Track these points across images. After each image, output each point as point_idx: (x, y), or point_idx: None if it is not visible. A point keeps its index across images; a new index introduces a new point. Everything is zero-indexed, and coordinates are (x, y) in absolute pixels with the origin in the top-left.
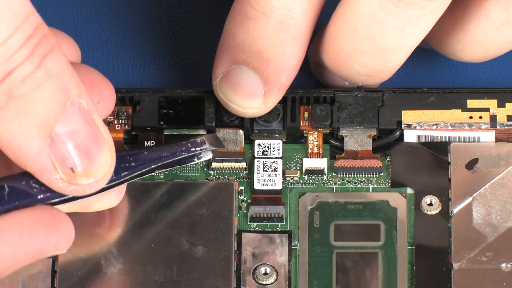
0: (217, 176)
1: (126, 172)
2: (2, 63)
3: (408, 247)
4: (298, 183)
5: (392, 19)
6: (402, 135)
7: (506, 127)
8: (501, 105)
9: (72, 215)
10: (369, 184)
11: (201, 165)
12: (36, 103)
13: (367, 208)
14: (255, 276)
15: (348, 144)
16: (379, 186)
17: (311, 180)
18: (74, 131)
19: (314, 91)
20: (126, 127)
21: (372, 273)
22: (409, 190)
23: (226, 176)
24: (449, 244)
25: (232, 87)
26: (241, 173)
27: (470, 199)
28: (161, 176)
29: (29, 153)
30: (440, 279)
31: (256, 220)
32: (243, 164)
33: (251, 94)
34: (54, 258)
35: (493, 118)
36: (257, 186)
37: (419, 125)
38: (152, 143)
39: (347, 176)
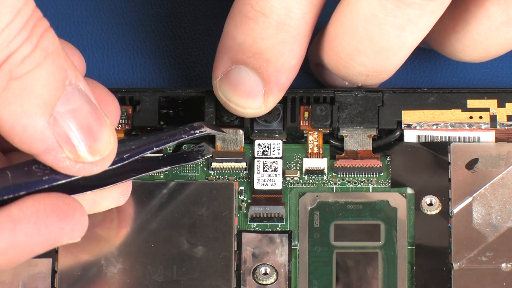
0: (217, 176)
1: (128, 154)
2: (4, 47)
3: (408, 247)
4: (298, 183)
5: (392, 19)
6: (402, 135)
7: (506, 127)
8: (501, 105)
9: None
10: (369, 184)
11: (201, 165)
12: (36, 81)
13: (367, 208)
14: (255, 276)
15: (348, 144)
16: (379, 186)
17: (311, 180)
18: (75, 109)
19: (314, 91)
20: (126, 127)
21: (372, 273)
22: (409, 190)
23: (226, 176)
24: (449, 244)
25: (232, 87)
26: (241, 173)
27: (470, 199)
28: (161, 176)
29: (34, 133)
30: (440, 279)
31: (256, 220)
32: (243, 164)
33: (251, 94)
34: (54, 258)
35: (493, 118)
36: (257, 186)
37: (419, 125)
38: None
39: (347, 176)
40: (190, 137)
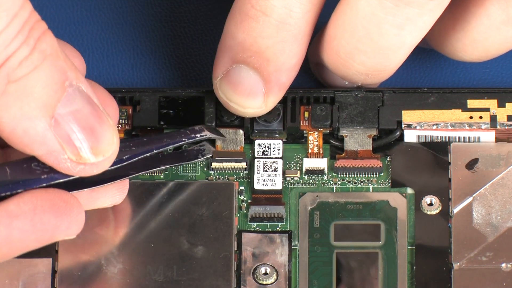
0: (217, 176)
1: (127, 156)
2: (1, 51)
3: (408, 247)
4: (298, 183)
5: (392, 18)
6: (402, 135)
7: (506, 127)
8: (501, 105)
9: None
10: (369, 184)
11: (201, 165)
12: (35, 84)
13: (367, 208)
14: (255, 276)
15: (348, 144)
16: (379, 186)
17: (311, 180)
18: (76, 111)
19: (314, 91)
20: (126, 127)
21: (372, 273)
22: (409, 190)
23: (226, 176)
24: (449, 244)
25: (232, 87)
26: (241, 173)
27: (470, 199)
28: (161, 176)
29: (35, 135)
30: (440, 279)
31: (256, 220)
32: (243, 164)
33: (251, 93)
34: (54, 258)
35: (493, 118)
36: (257, 186)
37: (419, 125)
38: None
39: (347, 176)
40: (190, 140)
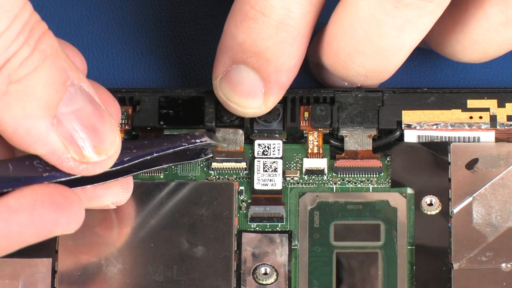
0: (217, 176)
1: (128, 158)
2: (2, 52)
3: (408, 247)
4: (298, 183)
5: (391, 19)
6: (402, 135)
7: (506, 127)
8: (501, 105)
9: None
10: (369, 184)
11: (201, 165)
12: (36, 83)
13: (367, 208)
14: (255, 276)
15: (348, 144)
16: (379, 186)
17: (311, 180)
18: (79, 110)
19: (314, 91)
20: (126, 127)
21: (372, 273)
22: (409, 190)
23: (226, 176)
24: (449, 244)
25: (232, 87)
26: (241, 173)
27: (470, 199)
28: (161, 176)
29: (38, 135)
30: (440, 279)
31: (256, 220)
32: (243, 164)
33: (251, 93)
34: (54, 258)
35: (493, 118)
36: (257, 186)
37: (419, 125)
38: None
39: (347, 176)
40: (190, 145)
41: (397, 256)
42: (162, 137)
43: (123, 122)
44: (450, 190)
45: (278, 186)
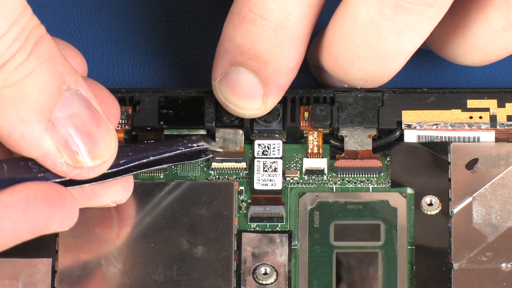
0: (217, 176)
1: (124, 161)
2: None
3: (408, 247)
4: (298, 183)
5: (391, 24)
6: (402, 135)
7: (506, 127)
8: (501, 105)
9: None
10: (369, 184)
11: (201, 165)
12: (31, 88)
13: (367, 208)
14: (255, 276)
15: (348, 144)
16: (379, 186)
17: (311, 180)
18: (74, 115)
19: (314, 91)
20: (126, 127)
21: (372, 273)
22: (409, 190)
23: (226, 176)
24: (449, 244)
25: (231, 89)
26: (241, 173)
27: (470, 199)
28: (161, 176)
29: (31, 139)
30: (440, 279)
31: (256, 220)
32: (243, 164)
33: (250, 95)
34: (54, 258)
35: (493, 118)
36: (257, 186)
37: (419, 125)
38: None
39: (347, 176)
40: (187, 150)
41: (397, 256)
42: (159, 142)
43: (123, 122)
44: (450, 190)
45: (278, 186)
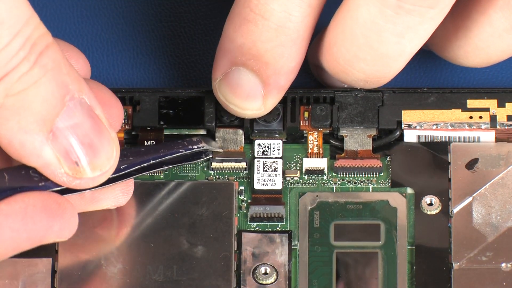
0: (217, 176)
1: (125, 165)
2: (0, 67)
3: (408, 247)
4: (298, 183)
5: (392, 26)
6: (402, 135)
7: (506, 127)
8: (501, 105)
9: None
10: (369, 184)
11: (201, 165)
12: (33, 98)
13: (367, 208)
14: (255, 276)
15: (348, 144)
16: (379, 186)
17: (311, 180)
18: (76, 125)
19: (314, 91)
20: (126, 127)
21: (372, 273)
22: (409, 190)
23: (226, 176)
24: (449, 244)
25: (231, 89)
26: (241, 173)
27: (470, 199)
28: (161, 176)
29: (32, 148)
30: (440, 279)
31: (256, 220)
32: (243, 164)
33: (250, 96)
34: (54, 258)
35: (493, 118)
36: (257, 186)
37: (419, 125)
38: (152, 143)
39: (347, 176)
40: (187, 151)
41: (397, 256)
42: (159, 144)
43: (123, 122)
44: (450, 190)
45: (278, 186)
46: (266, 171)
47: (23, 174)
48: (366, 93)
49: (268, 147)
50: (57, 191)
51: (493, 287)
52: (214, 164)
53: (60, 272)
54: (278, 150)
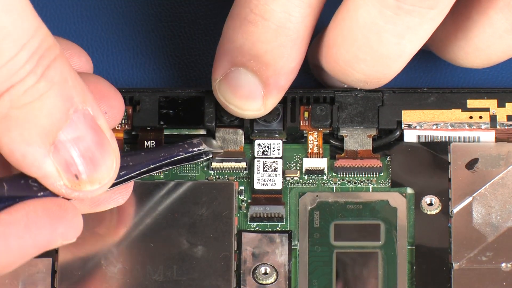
0: (217, 176)
1: (125, 172)
2: (5, 79)
3: (408, 247)
4: (298, 183)
5: (392, 26)
6: (402, 135)
7: (506, 127)
8: (501, 105)
9: None
10: (369, 184)
11: (201, 165)
12: (38, 112)
13: (367, 208)
14: (255, 276)
15: (348, 144)
16: (379, 186)
17: (311, 180)
18: (78, 138)
19: (314, 91)
20: (126, 127)
21: (372, 273)
22: (409, 190)
23: (226, 176)
24: (449, 244)
25: (231, 89)
26: (241, 173)
27: (470, 199)
28: (161, 176)
29: (33, 160)
30: (440, 279)
31: (256, 220)
32: (243, 164)
33: (250, 96)
34: (54, 258)
35: (493, 118)
36: (257, 186)
37: (419, 125)
38: (152, 143)
39: (347, 176)
40: (188, 154)
41: (397, 256)
42: (159, 148)
43: (123, 122)
44: (450, 190)
45: (278, 186)
46: (266, 171)
47: (23, 184)
48: (366, 93)
49: (268, 147)
50: None
51: (493, 287)
52: (214, 164)
53: (60, 272)
54: (278, 150)
